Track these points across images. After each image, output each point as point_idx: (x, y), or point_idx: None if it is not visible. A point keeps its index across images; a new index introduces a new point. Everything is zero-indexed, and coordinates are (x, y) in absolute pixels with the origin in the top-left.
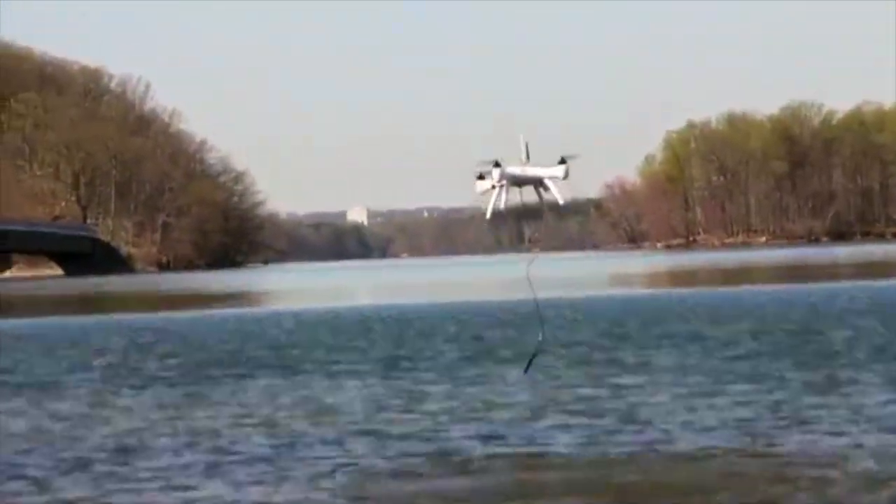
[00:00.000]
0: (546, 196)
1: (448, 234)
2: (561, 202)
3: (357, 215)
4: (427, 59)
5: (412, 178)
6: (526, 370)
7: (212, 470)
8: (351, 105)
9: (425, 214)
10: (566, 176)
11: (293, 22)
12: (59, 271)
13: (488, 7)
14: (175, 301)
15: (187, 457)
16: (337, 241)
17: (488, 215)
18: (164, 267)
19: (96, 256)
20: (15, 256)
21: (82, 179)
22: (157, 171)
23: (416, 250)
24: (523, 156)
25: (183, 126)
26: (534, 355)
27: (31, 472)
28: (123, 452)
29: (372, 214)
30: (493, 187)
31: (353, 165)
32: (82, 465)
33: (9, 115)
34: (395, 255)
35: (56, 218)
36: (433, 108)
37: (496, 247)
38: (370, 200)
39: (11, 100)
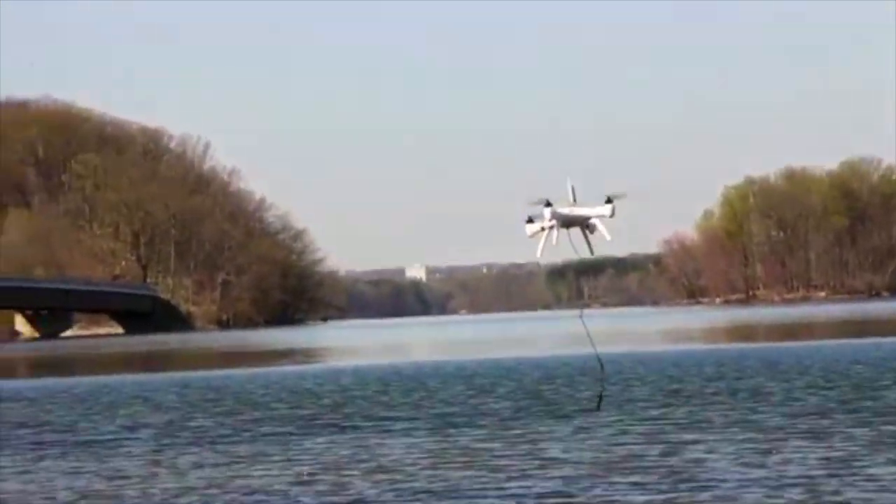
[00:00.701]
0: (592, 238)
1: (507, 289)
2: (608, 238)
3: (416, 272)
4: (480, 115)
5: (471, 235)
6: (598, 407)
7: None
8: (407, 161)
9: (484, 270)
10: (613, 214)
11: (347, 77)
12: (120, 329)
13: (543, 67)
14: (233, 358)
15: None
16: (396, 298)
17: (539, 254)
18: (223, 325)
19: (156, 315)
20: (76, 315)
21: (142, 239)
22: (217, 229)
23: (475, 306)
24: (570, 197)
25: (242, 185)
26: (601, 393)
27: None
28: None
29: (430, 271)
30: (543, 229)
31: (411, 222)
32: None
33: (69, 175)
34: (454, 311)
35: (116, 277)
36: (491, 164)
37: (555, 302)
38: (429, 257)
39: (72, 160)
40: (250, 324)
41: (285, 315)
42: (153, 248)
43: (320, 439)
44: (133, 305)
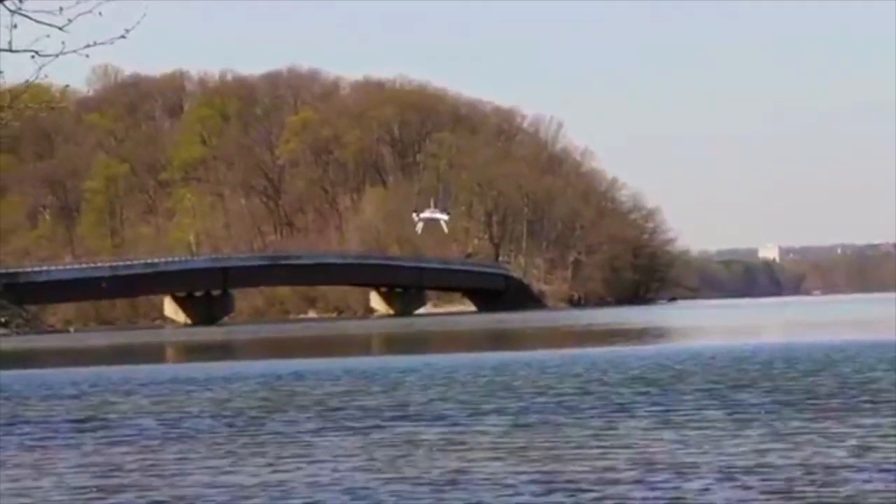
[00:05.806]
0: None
1: (862, 270)
2: (446, 230)
3: (769, 252)
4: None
5: (825, 214)
6: None
7: None
8: (757, 139)
9: (839, 251)
10: (448, 219)
11: (722, 65)
12: (472, 307)
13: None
14: (595, 337)
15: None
16: (747, 278)
17: (418, 231)
18: (575, 303)
19: (508, 293)
20: (429, 293)
21: (495, 218)
22: (569, 209)
23: (829, 287)
24: (434, 208)
25: (594, 164)
26: None
27: None
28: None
29: (784, 251)
30: (419, 222)
31: (766, 201)
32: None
33: (424, 154)
34: (807, 293)
35: (469, 255)
36: (842, 140)
37: None
38: (782, 237)
39: (427, 139)
40: (601, 302)
41: (636, 294)
42: (505, 227)
43: (638, 423)
44: (485, 284)
